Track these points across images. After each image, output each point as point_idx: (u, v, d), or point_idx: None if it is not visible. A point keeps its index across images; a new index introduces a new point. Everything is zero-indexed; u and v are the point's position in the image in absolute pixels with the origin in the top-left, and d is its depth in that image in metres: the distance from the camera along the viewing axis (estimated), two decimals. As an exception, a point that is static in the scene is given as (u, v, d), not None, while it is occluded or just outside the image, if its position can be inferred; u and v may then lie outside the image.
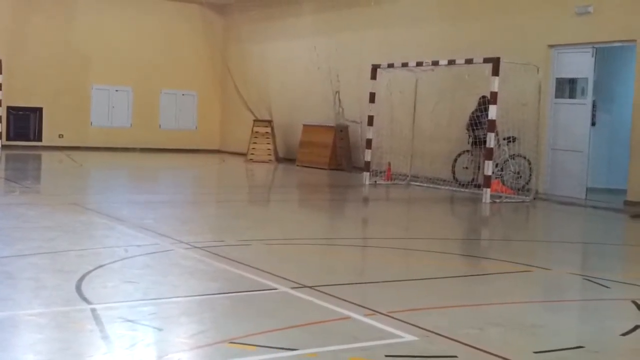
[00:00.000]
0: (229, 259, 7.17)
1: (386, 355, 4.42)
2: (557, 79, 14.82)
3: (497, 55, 13.84)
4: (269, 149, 22.33)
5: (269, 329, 4.88)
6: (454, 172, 16.01)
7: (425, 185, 16.10)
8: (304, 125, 21.22)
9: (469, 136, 15.50)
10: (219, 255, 7.38)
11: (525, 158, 14.78)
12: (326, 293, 5.89)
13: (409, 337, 4.79)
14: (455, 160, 16.08)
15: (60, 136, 23.89)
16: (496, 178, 14.31)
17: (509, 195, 14.07)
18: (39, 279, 6.13)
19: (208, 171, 20.45)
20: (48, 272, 6.43)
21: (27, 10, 23.25)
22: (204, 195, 14.42)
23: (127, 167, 20.19)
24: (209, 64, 26.12)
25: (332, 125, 20.30)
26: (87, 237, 8.38)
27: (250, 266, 6.85)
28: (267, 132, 22.42)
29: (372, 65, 16.67)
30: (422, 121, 17.11)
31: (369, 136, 16.59)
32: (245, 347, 4.47)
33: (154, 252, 7.52)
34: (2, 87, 22.64)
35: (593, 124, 14.47)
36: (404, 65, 16.11)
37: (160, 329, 4.85)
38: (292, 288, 6.06)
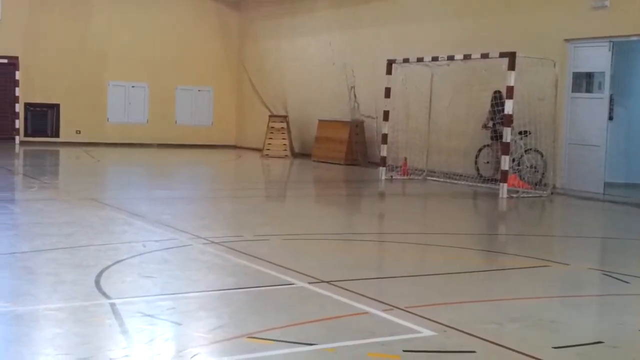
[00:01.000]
0: (247, 254, 7.19)
1: (404, 350, 4.42)
2: (574, 73, 14.72)
3: (513, 50, 13.77)
4: (284, 144, 22.34)
5: (287, 323, 4.89)
6: (477, 167, 15.95)
7: (441, 180, 16.06)
8: (320, 121, 21.21)
9: (491, 130, 15.44)
10: (236, 250, 7.40)
11: (540, 152, 14.71)
12: (344, 288, 5.90)
13: (427, 332, 4.79)
14: (477, 155, 16.02)
15: (78, 132, 24.03)
16: (514, 173, 14.25)
17: (526, 190, 14.00)
18: (59, 274, 6.17)
19: (224, 167, 20.50)
20: (67, 267, 6.48)
21: (43, 8, 23.39)
22: (220, 191, 14.45)
23: (144, 163, 20.28)
24: (225, 59, 26.17)
25: (347, 120, 20.29)
26: (105, 233, 8.43)
27: (268, 261, 6.86)
28: (282, 128, 22.43)
29: (388, 60, 16.63)
30: (438, 116, 17.06)
31: (385, 131, 16.56)
32: (264, 342, 4.49)
33: (172, 247, 7.55)
34: (20, 84, 22.82)
35: (610, 118, 14.36)
36: (420, 60, 16.06)
37: (178, 324, 4.87)
38: (310, 283, 6.07)
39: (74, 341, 4.43)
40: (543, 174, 14.59)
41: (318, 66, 21.93)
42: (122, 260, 6.80)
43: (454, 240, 8.95)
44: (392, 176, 16.39)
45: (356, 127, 20.05)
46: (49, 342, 4.44)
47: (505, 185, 13.55)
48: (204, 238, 8.01)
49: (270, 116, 22.78)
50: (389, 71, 16.54)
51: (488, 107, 15.42)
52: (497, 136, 14.97)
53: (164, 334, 4.66)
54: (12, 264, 6.63)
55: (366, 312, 5.23)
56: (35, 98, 23.44)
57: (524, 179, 14.54)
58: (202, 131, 25.96)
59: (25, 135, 23.36)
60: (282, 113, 23.02)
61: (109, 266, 6.45)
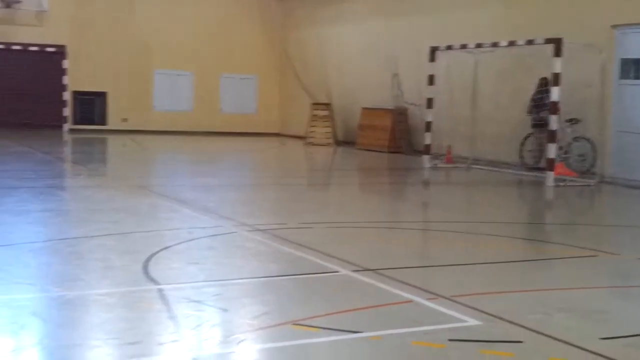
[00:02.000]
0: (291, 242, 7.23)
1: (449, 340, 4.41)
2: (621, 59, 14.41)
3: (559, 36, 13.53)
4: (328, 132, 22.35)
5: (331, 311, 4.92)
6: (522, 155, 15.76)
7: (486, 168, 15.90)
8: (363, 109, 21.16)
9: (533, 118, 15.25)
10: (280, 237, 7.45)
11: (588, 140, 14.47)
12: (388, 276, 5.90)
13: (472, 322, 4.76)
14: (522, 143, 15.82)
15: (124, 120, 24.37)
16: (560, 161, 14.04)
17: (573, 179, 13.79)
18: (107, 260, 6.29)
19: (268, 154, 20.60)
20: (116, 253, 6.60)
21: (91, -3, 23.74)
22: (264, 178, 14.54)
23: (189, 151, 20.49)
24: (268, 47, 26.24)
25: (391, 108, 20.19)
26: (152, 219, 8.56)
27: (312, 249, 6.89)
28: (326, 115, 22.44)
29: (431, 47, 16.48)
30: (482, 103, 16.87)
31: (429, 119, 16.45)
32: (309, 329, 4.52)
33: (217, 235, 7.63)
34: (68, 73, 23.23)
35: (660, 105, 14.04)
36: (463, 47, 15.89)
37: (225, 310, 4.93)
38: (354, 271, 6.09)
39: (123, 326, 4.52)
40: (593, 163, 14.35)
41: (361, 53, 21.85)
42: (169, 247, 6.89)
43: (500, 229, 8.87)
44: (436, 164, 16.28)
45: (399, 115, 19.96)
46: (99, 326, 4.54)
47: (552, 173, 13.36)
48: (248, 225, 8.08)
49: (313, 104, 22.80)
50: (432, 58, 16.40)
51: (533, 94, 15.20)
52: (541, 124, 14.76)
53: (210, 320, 4.72)
54: (62, 249, 6.78)
55: (411, 301, 5.23)
56: (83, 86, 23.83)
57: (570, 167, 14.32)
58: (246, 119, 26.10)
59: (74, 123, 23.78)
60: (326, 101, 23.01)
61: (156, 252, 6.55)
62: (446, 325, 4.73)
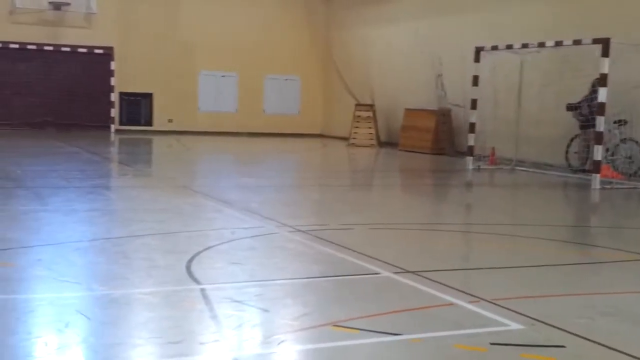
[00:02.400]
0: (332, 243, 7.24)
1: (491, 343, 4.37)
2: (673, 59, 14.11)
3: (607, 36, 13.30)
4: (370, 133, 22.32)
5: (372, 313, 4.91)
6: (567, 157, 15.54)
7: (531, 170, 15.71)
8: (406, 110, 21.08)
9: (580, 120, 15.01)
10: (322, 238, 7.47)
11: (636, 142, 14.19)
12: (429, 279, 5.87)
13: (515, 326, 4.72)
14: (569, 145, 15.59)
15: (170, 121, 24.68)
16: (607, 163, 13.80)
17: (620, 181, 13.54)
18: (152, 259, 6.38)
19: (310, 155, 20.66)
20: (160, 252, 6.69)
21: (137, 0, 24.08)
22: (306, 179, 14.59)
23: (233, 151, 20.66)
24: (312, 48, 26.31)
25: (434, 109, 20.08)
26: (196, 219, 8.65)
27: (353, 250, 6.90)
28: (369, 116, 22.42)
29: (476, 47, 16.35)
30: (527, 104, 16.67)
31: (472, 120, 16.32)
32: (349, 331, 4.52)
33: (259, 235, 7.68)
34: (115, 74, 23.62)
35: None
36: (509, 47, 15.72)
37: (266, 310, 4.96)
38: (395, 273, 6.07)
39: (166, 325, 4.58)
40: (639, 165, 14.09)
41: (404, 54, 21.78)
42: (212, 247, 6.96)
43: (544, 231, 8.76)
44: (479, 166, 16.14)
45: (443, 116, 19.84)
46: (142, 325, 4.61)
47: (598, 175, 13.15)
48: (290, 226, 8.11)
49: (356, 105, 22.80)
50: (477, 59, 16.27)
51: (585, 94, 14.94)
52: (587, 125, 14.53)
53: (251, 320, 4.76)
54: (107, 248, 6.89)
55: (452, 304, 5.20)
56: (129, 87, 24.21)
57: (617, 169, 14.07)
58: (289, 120, 26.22)
59: (120, 123, 24.16)
60: (369, 102, 22.99)
61: (199, 252, 6.62)
62: (488, 328, 4.69)
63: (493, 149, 16.69)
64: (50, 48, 23.24)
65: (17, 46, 22.81)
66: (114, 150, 19.49)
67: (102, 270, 6.06)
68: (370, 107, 22.55)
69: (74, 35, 23.38)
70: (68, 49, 23.38)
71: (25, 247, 6.73)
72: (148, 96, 24.60)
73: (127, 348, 4.18)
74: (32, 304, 4.99)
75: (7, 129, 22.09)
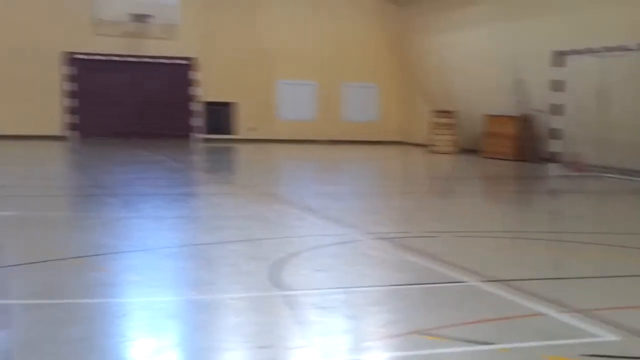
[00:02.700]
0: (416, 250, 7.22)
1: (582, 355, 4.27)
2: None
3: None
4: (450, 140, 22.11)
5: (458, 322, 4.87)
6: None
7: (617, 176, 15.25)
8: (487, 116, 20.79)
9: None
10: (405, 246, 7.45)
11: None
12: (517, 288, 5.78)
13: (608, 337, 4.59)
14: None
15: (252, 129, 25.06)
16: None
17: None
18: (237, 265, 6.50)
19: (389, 162, 20.61)
20: (245, 258, 6.80)
21: (217, 10, 24.57)
22: (386, 187, 14.57)
23: (313, 159, 20.81)
24: (389, 56, 26.28)
25: (516, 115, 19.74)
26: (280, 226, 8.77)
27: (438, 258, 6.85)
28: (448, 123, 22.22)
29: (557, 51, 15.98)
30: (611, 109, 16.20)
31: (554, 126, 15.96)
32: (436, 339, 4.50)
33: (342, 242, 7.72)
34: (199, 84, 24.18)
35: None
36: (590, 50, 15.29)
37: (352, 317, 4.99)
38: (482, 281, 6.00)
39: (254, 330, 4.66)
40: None
41: (483, 59, 21.48)
42: (296, 254, 7.04)
43: (636, 240, 8.49)
44: (563, 172, 15.78)
45: (525, 122, 19.48)
46: (232, 330, 4.70)
47: (691, 182, 12.67)
48: (373, 233, 8.12)
49: (435, 111, 22.63)
50: (558, 63, 15.91)
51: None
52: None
53: (338, 326, 4.79)
54: (195, 254, 7.06)
55: (541, 314, 5.10)
56: (212, 97, 24.71)
57: None
58: (367, 127, 26.24)
59: (206, 132, 24.70)
60: (448, 108, 22.79)
61: (284, 259, 6.70)
62: (579, 339, 4.58)
63: (578, 155, 16.28)
64: (134, 59, 23.93)
65: (101, 58, 23.59)
66: (198, 158, 19.93)
67: (190, 276, 6.21)
68: (450, 113, 22.34)
69: (156, 47, 24.01)
70: (150, 60, 24.03)
71: (116, 252, 6.96)
72: (230, 105, 25.06)
73: (219, 352, 4.28)
74: (125, 308, 5.15)
75: (95, 139, 22.87)
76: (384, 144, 25.65)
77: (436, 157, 21.10)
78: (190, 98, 24.46)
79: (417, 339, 4.52)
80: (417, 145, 24.25)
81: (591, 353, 4.31)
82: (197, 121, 24.64)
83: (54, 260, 6.47)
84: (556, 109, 15.90)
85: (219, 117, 25.00)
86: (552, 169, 15.84)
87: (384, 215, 10.16)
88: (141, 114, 24.18)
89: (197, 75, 24.28)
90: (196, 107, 24.56)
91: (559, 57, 15.89)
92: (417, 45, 25.27)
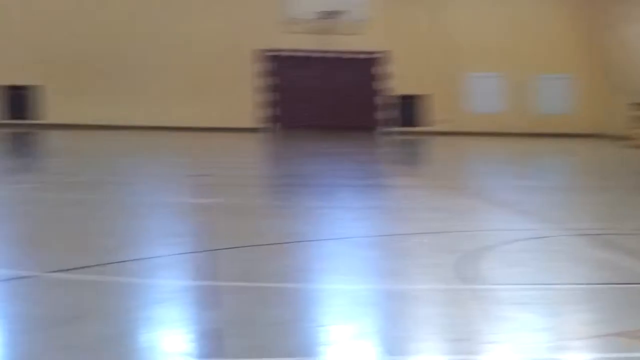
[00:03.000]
0: (617, 248, 6.83)
1: None
2: None
3: None
4: (652, 134, 20.70)
5: (667, 326, 4.55)
6: None
7: None
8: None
9: None
10: (605, 243, 7.08)
11: None
12: None
13: None
14: None
15: (446, 121, 24.91)
16: None
17: None
18: (430, 257, 6.47)
19: (584, 156, 19.65)
20: (435, 250, 6.76)
21: (403, 4, 24.61)
22: (583, 182, 13.91)
23: (503, 152, 20.30)
24: (582, 46, 25.10)
25: None
26: (471, 219, 8.64)
27: (641, 257, 6.45)
28: (650, 116, 20.80)
29: None
30: None
31: None
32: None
33: (535, 237, 7.46)
34: (391, 77, 24.42)
35: None
36: None
37: (548, 315, 4.81)
38: (693, 284, 5.57)
39: (448, 322, 4.61)
40: None
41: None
42: (487, 247, 6.89)
43: None
44: None
45: None
46: (426, 320, 4.69)
47: None
48: (569, 229, 7.79)
49: (634, 104, 21.27)
50: None
51: None
52: None
53: (534, 324, 4.63)
54: (386, 244, 7.14)
55: None
56: (404, 90, 24.84)
57: None
58: (561, 120, 25.23)
59: (400, 125, 24.91)
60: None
61: (476, 252, 6.59)
62: None
63: None
64: (323, 55, 24.53)
65: (293, 54, 24.41)
66: (387, 150, 20.11)
67: (380, 266, 6.27)
68: (653, 105, 20.92)
69: (344, 42, 24.44)
70: (339, 55, 24.53)
71: (311, 240, 7.18)
72: (420, 98, 25.05)
73: (414, 342, 4.28)
74: (319, 294, 5.30)
75: (291, 131, 23.75)
76: (578, 137, 24.49)
77: (635, 151, 19.81)
78: (377, 92, 24.72)
79: (619, 341, 4.28)
80: (615, 138, 22.90)
81: None
82: (388, 114, 24.87)
83: (256, 245, 6.79)
84: None
85: (410, 109, 25.08)
86: None
87: (581, 210, 9.71)
88: (332, 107, 24.77)
89: (389, 69, 24.49)
90: (387, 100, 24.79)
91: None
92: (614, 35, 23.85)
